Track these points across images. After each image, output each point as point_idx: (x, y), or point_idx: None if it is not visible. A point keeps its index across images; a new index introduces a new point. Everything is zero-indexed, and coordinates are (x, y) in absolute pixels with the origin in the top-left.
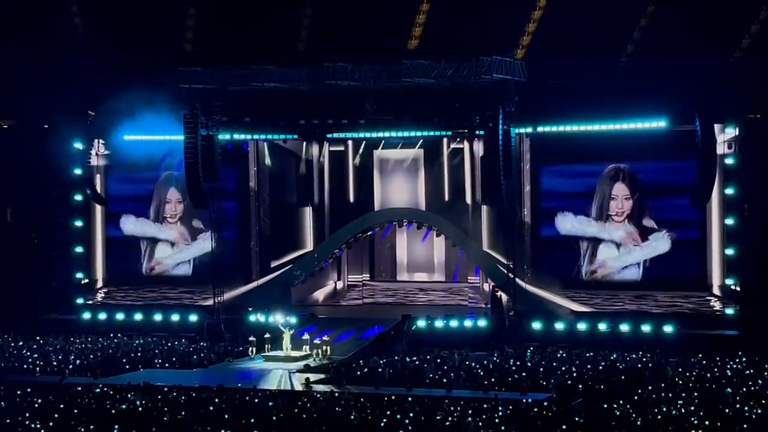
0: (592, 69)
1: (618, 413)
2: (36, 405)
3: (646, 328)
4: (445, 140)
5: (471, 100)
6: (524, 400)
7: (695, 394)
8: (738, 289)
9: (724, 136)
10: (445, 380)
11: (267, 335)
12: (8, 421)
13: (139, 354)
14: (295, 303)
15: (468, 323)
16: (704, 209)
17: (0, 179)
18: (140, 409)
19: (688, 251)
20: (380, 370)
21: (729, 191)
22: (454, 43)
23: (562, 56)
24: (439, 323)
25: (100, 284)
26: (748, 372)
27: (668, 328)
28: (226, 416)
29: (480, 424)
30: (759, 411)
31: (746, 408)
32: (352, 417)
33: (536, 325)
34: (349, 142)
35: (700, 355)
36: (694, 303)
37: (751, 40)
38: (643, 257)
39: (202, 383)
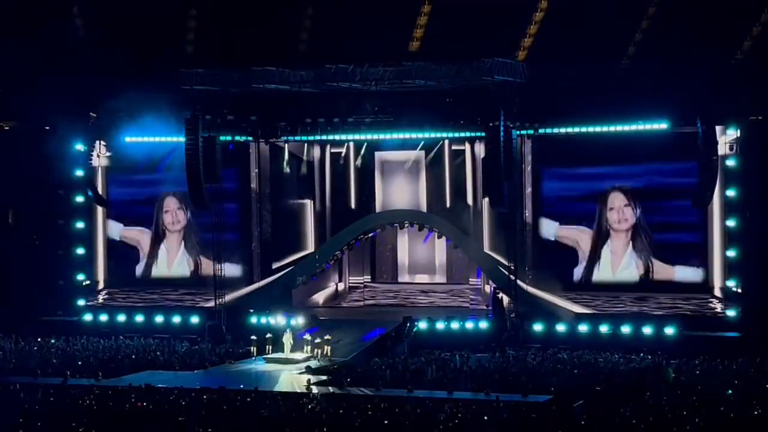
0: (593, 71)
1: (619, 415)
2: (37, 406)
3: (647, 329)
4: (446, 142)
5: (472, 101)
6: (526, 402)
7: (696, 396)
8: (739, 290)
9: (726, 137)
10: (446, 382)
11: (268, 336)
12: (10, 422)
13: (140, 355)
14: (296, 304)
15: (469, 325)
16: (706, 211)
17: (1, 180)
18: (141, 410)
19: (690, 252)
20: (381, 371)
21: (730, 193)
22: (455, 44)
23: (564, 58)
24: (440, 325)
25: (101, 286)
26: (749, 374)
27: (670, 330)
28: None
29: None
30: (760, 413)
31: (748, 410)
32: (353, 418)
33: (537, 327)
34: (351, 144)
35: (701, 357)
36: (696, 305)
37: (753, 42)
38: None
39: (203, 385)
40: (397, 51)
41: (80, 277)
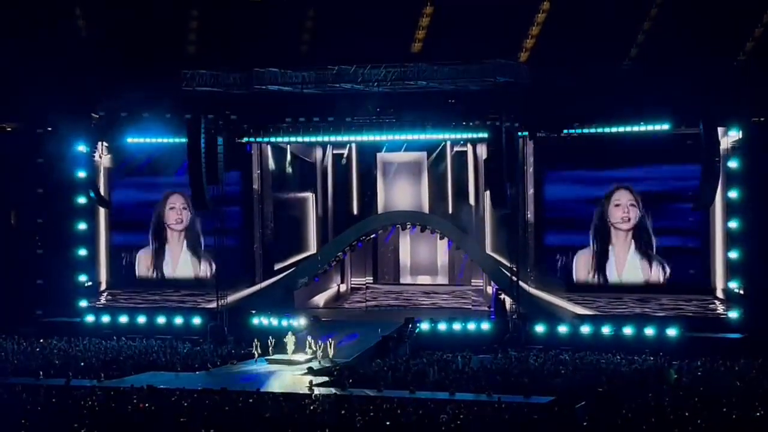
0: (595, 72)
1: (621, 416)
2: (39, 408)
3: (649, 331)
4: (448, 143)
5: (474, 103)
6: (528, 404)
7: (698, 397)
8: (741, 292)
9: (728, 139)
10: (448, 383)
11: (270, 338)
12: (12, 423)
13: (142, 357)
14: (298, 306)
15: (471, 326)
16: (708, 212)
17: (3, 182)
18: (143, 411)
19: (692, 254)
20: (383, 372)
21: (732, 194)
22: (457, 46)
23: (566, 59)
24: (442, 326)
25: (103, 287)
26: (751, 375)
27: (672, 332)
28: (229, 419)
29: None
30: (763, 414)
31: (750, 411)
32: (355, 420)
33: (539, 328)
34: (353, 145)
35: (703, 358)
36: (698, 306)
37: (755, 43)
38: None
39: (205, 386)
40: (399, 52)
41: (82, 278)
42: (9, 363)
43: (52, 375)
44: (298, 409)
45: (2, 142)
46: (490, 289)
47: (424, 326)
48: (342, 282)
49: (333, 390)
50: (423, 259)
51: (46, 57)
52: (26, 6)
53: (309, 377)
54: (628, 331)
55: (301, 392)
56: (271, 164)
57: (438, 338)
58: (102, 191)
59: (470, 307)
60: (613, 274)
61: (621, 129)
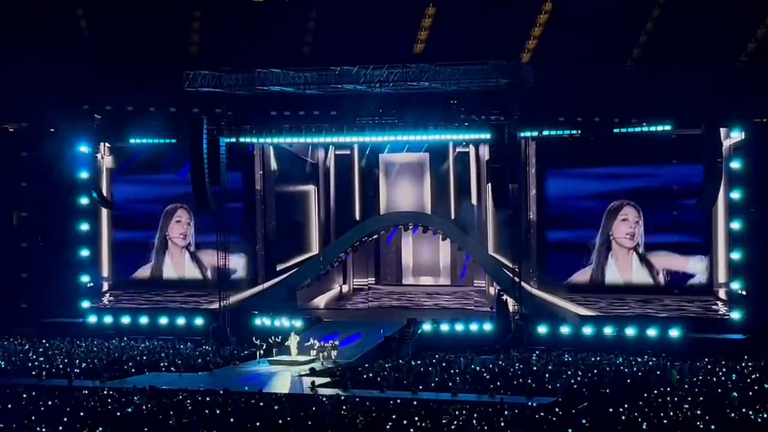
0: (597, 73)
1: (624, 417)
2: (42, 408)
3: (652, 332)
4: (450, 144)
5: (477, 103)
6: (530, 405)
7: (701, 398)
8: (744, 293)
9: (730, 139)
10: (450, 384)
11: (273, 338)
12: (15, 424)
13: (144, 357)
14: (300, 306)
15: (474, 327)
16: (710, 213)
17: (6, 182)
18: (146, 412)
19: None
20: (385, 373)
21: (735, 195)
22: (459, 47)
23: (568, 60)
24: (444, 327)
25: (106, 287)
26: (754, 376)
27: (674, 332)
28: (232, 420)
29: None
30: (765, 415)
31: (752, 412)
32: (358, 421)
33: (542, 329)
34: (355, 146)
35: (705, 359)
36: (700, 307)
37: (757, 44)
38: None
39: (207, 387)
40: (402, 53)
41: (85, 278)
42: (11, 364)
43: (54, 376)
44: (301, 409)
45: (5, 143)
46: (492, 290)
47: (427, 327)
48: (344, 283)
49: (335, 391)
50: (425, 260)
51: (49, 58)
52: (29, 7)
53: (311, 378)
54: (630, 332)
55: (303, 393)
56: (273, 165)
57: (440, 339)
58: (104, 192)
59: (473, 307)
60: (619, 276)
61: (623, 130)
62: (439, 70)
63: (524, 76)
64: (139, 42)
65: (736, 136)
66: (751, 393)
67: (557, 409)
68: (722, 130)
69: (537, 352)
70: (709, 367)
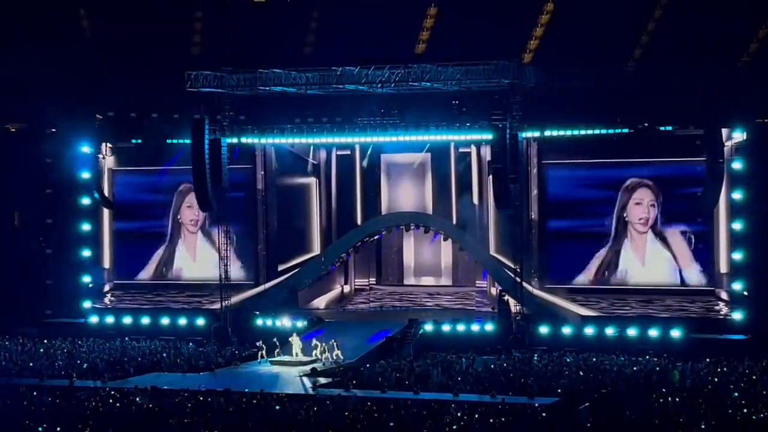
0: (599, 73)
1: (625, 418)
2: (43, 408)
3: (653, 332)
4: (452, 144)
5: (478, 104)
6: (532, 405)
7: (702, 398)
8: (745, 293)
9: (732, 140)
10: (452, 384)
11: (275, 339)
12: (16, 424)
13: (146, 357)
14: (302, 307)
15: (475, 327)
16: (712, 213)
17: (8, 182)
18: (147, 412)
19: (696, 255)
20: (387, 374)
21: (736, 195)
22: (461, 47)
23: (570, 60)
24: (446, 327)
25: (107, 288)
26: (755, 376)
27: (676, 333)
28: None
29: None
30: (766, 415)
31: (753, 412)
32: (359, 421)
33: (543, 329)
34: (356, 146)
35: (707, 360)
36: (702, 307)
37: (759, 45)
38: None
39: (209, 387)
40: (403, 53)
41: (86, 278)
42: (13, 364)
43: (55, 376)
44: (302, 410)
45: (7, 143)
46: (494, 290)
47: (428, 327)
48: (346, 283)
49: (337, 391)
50: (427, 260)
51: (51, 58)
52: (31, 8)
53: (313, 378)
54: (632, 332)
55: (305, 393)
56: (275, 165)
57: (442, 339)
58: (106, 192)
59: (474, 308)
60: (627, 274)
61: (625, 130)
62: (441, 71)
63: (526, 77)
64: (140, 42)
65: (738, 136)
66: (752, 393)
67: (559, 410)
68: (724, 131)
69: (538, 352)
70: (710, 367)
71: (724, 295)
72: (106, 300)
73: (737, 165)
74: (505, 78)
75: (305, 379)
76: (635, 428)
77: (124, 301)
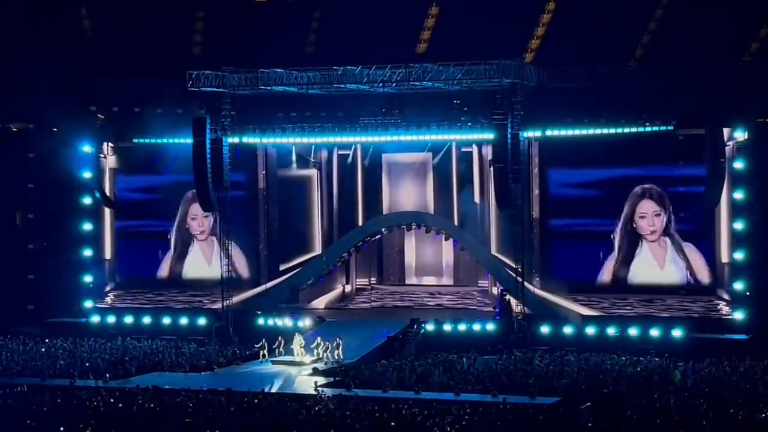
0: (600, 73)
1: (626, 417)
2: (45, 408)
3: (654, 332)
4: (453, 144)
5: (480, 103)
6: (533, 405)
7: (703, 398)
8: (747, 293)
9: (734, 140)
10: (453, 384)
11: (278, 339)
12: (17, 423)
13: (147, 357)
14: (303, 306)
15: (476, 327)
16: (713, 213)
17: (9, 183)
18: (149, 412)
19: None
20: (388, 373)
21: (738, 195)
22: (462, 46)
23: (571, 60)
24: (447, 327)
25: (109, 287)
26: (756, 376)
27: (677, 332)
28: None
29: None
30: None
31: (755, 412)
32: (361, 420)
33: (545, 329)
34: (358, 146)
35: (708, 359)
36: (703, 307)
37: (760, 44)
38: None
39: (210, 386)
40: (405, 53)
41: (88, 278)
42: (15, 363)
43: (57, 375)
44: (304, 409)
45: (8, 143)
46: (495, 290)
47: (430, 327)
48: (347, 282)
49: (338, 391)
50: (428, 260)
51: (52, 58)
52: (32, 7)
53: (314, 378)
54: (633, 332)
55: (306, 393)
56: (276, 164)
57: (443, 339)
58: (107, 191)
59: (475, 307)
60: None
61: (626, 129)
62: (442, 70)
63: (527, 76)
64: (142, 42)
65: (740, 136)
66: (753, 393)
67: (560, 409)
68: (725, 131)
69: (540, 352)
70: (711, 367)
71: (725, 295)
72: (108, 299)
73: (739, 165)
74: (507, 77)
75: (307, 378)
76: (636, 428)
77: (126, 301)
